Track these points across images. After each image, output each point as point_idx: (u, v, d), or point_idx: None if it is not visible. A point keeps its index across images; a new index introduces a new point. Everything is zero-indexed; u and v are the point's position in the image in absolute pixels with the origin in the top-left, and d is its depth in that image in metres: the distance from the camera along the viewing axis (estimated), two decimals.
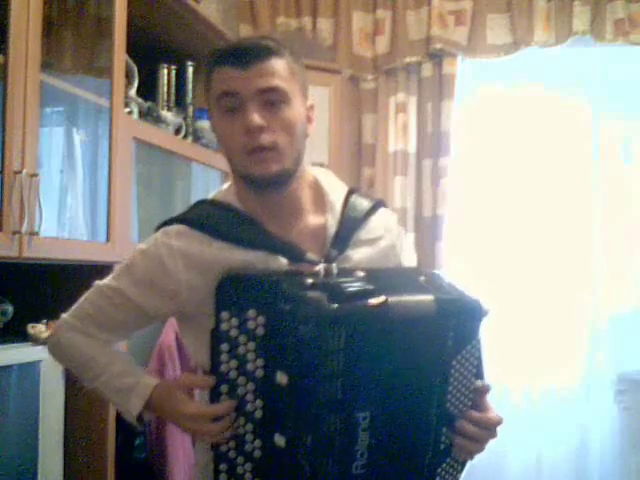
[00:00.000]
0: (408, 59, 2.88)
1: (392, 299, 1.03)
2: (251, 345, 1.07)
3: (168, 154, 2.33)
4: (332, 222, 1.20)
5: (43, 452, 1.68)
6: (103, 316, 1.21)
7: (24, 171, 1.56)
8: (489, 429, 1.15)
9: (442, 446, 1.14)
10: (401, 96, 2.89)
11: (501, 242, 2.93)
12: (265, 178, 1.12)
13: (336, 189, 1.26)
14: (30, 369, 1.66)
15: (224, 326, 1.07)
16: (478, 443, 1.15)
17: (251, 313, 1.07)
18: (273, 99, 1.11)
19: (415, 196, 2.90)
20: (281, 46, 1.15)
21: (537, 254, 2.91)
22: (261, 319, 1.06)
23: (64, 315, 1.26)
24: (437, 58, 2.87)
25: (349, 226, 1.20)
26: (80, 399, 1.86)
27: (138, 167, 2.14)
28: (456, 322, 1.08)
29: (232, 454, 1.10)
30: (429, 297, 1.07)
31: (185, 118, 2.50)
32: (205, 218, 1.18)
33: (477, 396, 1.16)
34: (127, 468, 2.01)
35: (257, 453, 1.09)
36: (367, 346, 1.02)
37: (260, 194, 1.17)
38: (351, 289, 1.05)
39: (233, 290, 1.08)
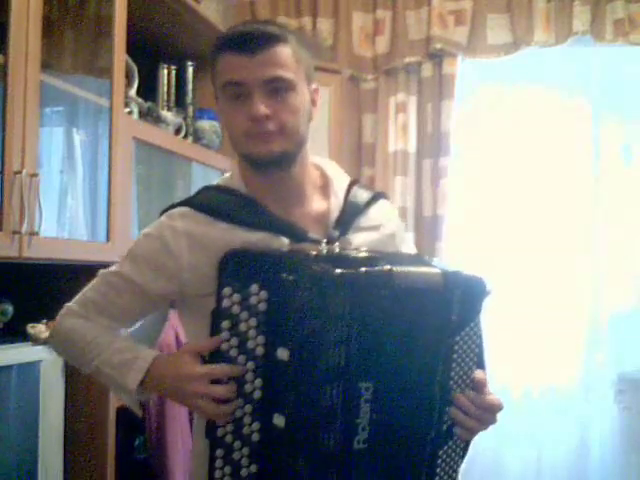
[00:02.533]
0: (408, 59, 2.88)
1: (397, 268, 1.04)
2: (253, 321, 1.07)
3: (168, 154, 2.33)
4: (335, 207, 1.22)
5: (43, 451, 1.69)
6: (105, 301, 1.22)
7: (24, 171, 1.56)
8: (488, 410, 1.15)
9: (445, 427, 1.14)
10: (401, 96, 2.89)
11: (501, 242, 2.93)
12: (267, 158, 1.14)
13: (340, 177, 1.28)
14: (30, 369, 1.67)
15: (226, 302, 1.07)
16: (477, 422, 1.14)
17: (254, 288, 1.06)
18: (279, 87, 1.13)
19: (415, 196, 2.90)
20: (287, 32, 1.16)
21: (537, 254, 2.90)
22: (264, 294, 1.06)
23: (67, 303, 1.27)
24: (437, 58, 2.87)
25: (351, 211, 1.23)
26: (81, 399, 1.86)
27: (138, 167, 2.14)
28: (461, 295, 1.09)
29: (229, 438, 1.08)
30: (435, 269, 1.10)
31: (185, 118, 2.50)
32: (208, 201, 1.21)
33: (477, 387, 1.16)
34: (127, 468, 2.01)
35: (255, 437, 1.08)
36: (371, 313, 1.03)
37: (263, 174, 1.19)
38: (356, 255, 1.08)
39: (236, 266, 1.08)
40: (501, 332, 2.84)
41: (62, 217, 1.91)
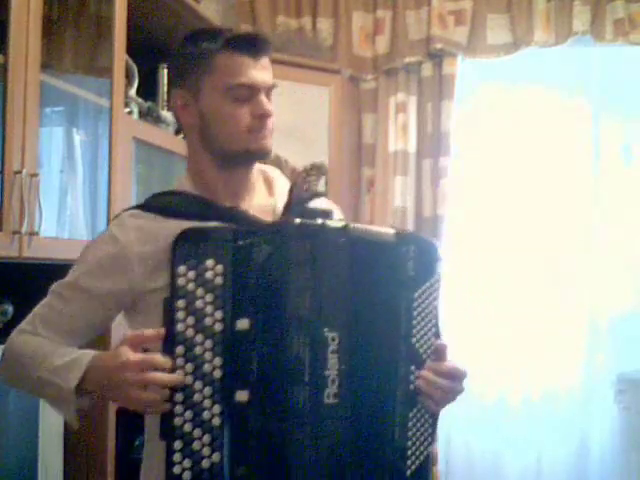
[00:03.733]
0: (408, 59, 2.88)
1: (351, 224, 1.14)
2: (209, 297, 1.05)
3: (168, 154, 2.33)
4: (280, 201, 1.26)
5: (43, 451, 1.69)
6: (52, 313, 1.19)
7: (24, 171, 1.57)
8: (452, 378, 1.16)
9: (412, 387, 1.14)
10: (401, 96, 2.89)
11: (500, 243, 2.93)
12: (263, 152, 1.22)
13: (282, 179, 1.34)
14: None
15: (181, 281, 1.05)
16: (442, 392, 1.15)
17: (209, 263, 1.06)
18: (269, 94, 1.22)
19: (415, 196, 2.90)
20: None
21: (537, 255, 2.90)
22: (219, 268, 1.06)
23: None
24: (437, 58, 2.87)
25: (297, 202, 1.27)
26: None
27: (138, 167, 2.14)
28: (415, 251, 1.16)
29: (187, 428, 1.02)
30: (389, 229, 1.19)
31: None
32: (157, 202, 1.24)
33: (437, 355, 1.17)
34: (127, 468, 2.01)
35: (216, 421, 1.04)
36: (330, 261, 1.10)
37: (231, 170, 1.23)
38: (313, 209, 1.14)
39: (189, 244, 1.07)
40: (501, 332, 2.85)
41: (62, 217, 1.91)
